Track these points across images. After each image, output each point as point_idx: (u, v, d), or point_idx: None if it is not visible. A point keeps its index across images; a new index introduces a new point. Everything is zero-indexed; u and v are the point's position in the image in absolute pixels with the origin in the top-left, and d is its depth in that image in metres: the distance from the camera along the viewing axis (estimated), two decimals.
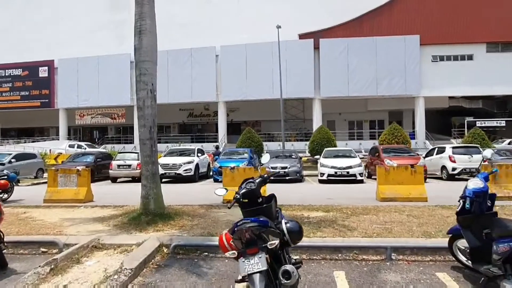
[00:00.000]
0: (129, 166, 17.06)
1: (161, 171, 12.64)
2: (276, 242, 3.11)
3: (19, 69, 38.24)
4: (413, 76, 31.08)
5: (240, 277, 3.13)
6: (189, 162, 16.69)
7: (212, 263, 4.98)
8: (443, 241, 4.91)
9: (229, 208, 3.53)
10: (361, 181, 14.73)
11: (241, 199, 3.45)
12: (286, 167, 15.33)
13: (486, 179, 4.17)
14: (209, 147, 29.01)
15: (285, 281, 3.00)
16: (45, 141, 35.08)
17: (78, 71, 35.86)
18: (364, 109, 35.15)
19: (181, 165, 16.33)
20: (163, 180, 13.69)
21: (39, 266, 4.48)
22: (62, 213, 8.33)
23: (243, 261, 3.05)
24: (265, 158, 4.43)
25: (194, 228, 6.43)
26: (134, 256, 4.83)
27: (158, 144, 8.18)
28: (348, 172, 14.67)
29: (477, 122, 29.77)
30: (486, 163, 8.65)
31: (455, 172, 15.21)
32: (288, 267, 3.07)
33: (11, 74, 38.35)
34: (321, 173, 15.14)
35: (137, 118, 7.82)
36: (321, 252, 5.12)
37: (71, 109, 37.72)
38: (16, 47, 42.01)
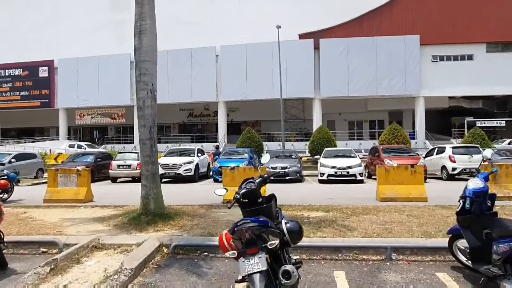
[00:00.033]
0: (129, 166, 17.07)
1: (161, 171, 12.63)
2: (276, 242, 3.11)
3: (19, 69, 38.23)
4: (413, 76, 31.07)
5: (240, 277, 3.13)
6: (189, 162, 16.69)
7: (212, 263, 4.98)
8: (443, 241, 4.91)
9: (229, 208, 3.53)
10: (361, 181, 14.73)
11: (241, 199, 3.44)
12: (286, 167, 15.34)
13: (486, 179, 4.17)
14: (209, 147, 29.01)
15: (285, 281, 3.00)
16: (45, 141, 35.06)
17: (78, 71, 35.85)
18: (364, 109, 35.15)
19: (181, 165, 16.33)
20: (163, 180, 13.69)
21: (39, 266, 4.48)
22: (62, 213, 8.33)
23: (243, 261, 3.05)
24: (265, 158, 4.43)
25: (194, 228, 6.43)
26: (134, 256, 4.83)
27: (158, 144, 8.18)
28: (348, 172, 14.67)
29: (477, 122, 29.74)
30: (486, 163, 8.64)
31: (455, 172, 15.22)
32: (288, 267, 3.07)
33: (11, 74, 38.35)
34: (321, 173, 15.15)
35: (137, 118, 7.82)
36: (321, 252, 5.12)
37: (71, 109, 37.72)
38: (16, 47, 42.13)
